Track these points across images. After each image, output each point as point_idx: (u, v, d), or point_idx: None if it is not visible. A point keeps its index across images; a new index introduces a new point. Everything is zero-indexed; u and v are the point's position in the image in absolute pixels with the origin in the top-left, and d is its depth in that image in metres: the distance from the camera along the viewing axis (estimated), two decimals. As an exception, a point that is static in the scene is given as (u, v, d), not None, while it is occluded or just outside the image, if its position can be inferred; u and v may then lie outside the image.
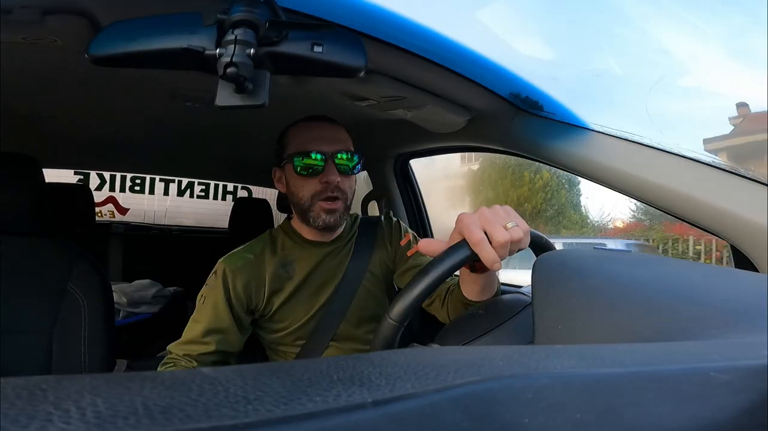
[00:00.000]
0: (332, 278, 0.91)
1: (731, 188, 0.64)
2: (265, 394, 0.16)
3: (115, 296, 1.48)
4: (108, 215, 3.34)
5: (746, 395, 0.20)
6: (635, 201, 0.80)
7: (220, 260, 0.90)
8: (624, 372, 0.20)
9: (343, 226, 0.94)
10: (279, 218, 2.21)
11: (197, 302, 0.88)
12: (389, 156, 1.43)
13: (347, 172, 0.85)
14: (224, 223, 2.23)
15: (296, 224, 0.93)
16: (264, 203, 2.13)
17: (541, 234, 0.73)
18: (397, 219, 1.03)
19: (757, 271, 0.60)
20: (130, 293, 1.93)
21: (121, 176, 3.36)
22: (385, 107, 0.91)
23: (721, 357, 0.23)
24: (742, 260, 0.63)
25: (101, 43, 0.45)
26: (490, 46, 0.75)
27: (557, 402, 0.18)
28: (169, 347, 0.88)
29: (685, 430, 0.19)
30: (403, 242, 0.97)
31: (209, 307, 0.85)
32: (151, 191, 3.47)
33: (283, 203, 1.19)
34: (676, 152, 0.70)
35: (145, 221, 2.99)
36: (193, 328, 0.86)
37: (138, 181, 3.43)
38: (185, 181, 3.39)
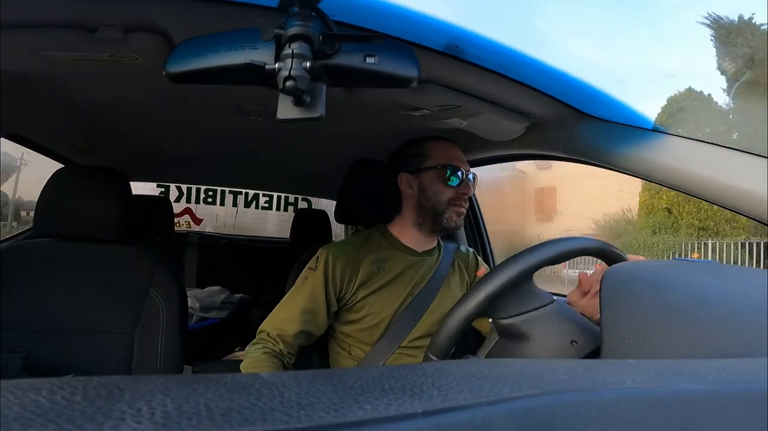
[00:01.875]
0: (415, 285, 0.99)
1: None
2: (318, 400, 0.17)
3: (189, 302, 1.57)
4: (185, 225, 3.59)
5: None
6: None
7: (323, 248, 1.01)
8: (707, 388, 0.19)
9: (436, 242, 1.06)
10: (337, 228, 2.26)
11: (297, 282, 0.98)
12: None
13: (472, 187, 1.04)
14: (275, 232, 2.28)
15: (395, 229, 1.04)
16: (323, 213, 2.19)
17: (612, 245, 0.69)
18: (474, 251, 1.15)
19: None
20: (203, 299, 2.03)
21: (196, 188, 3.62)
22: (439, 117, 0.91)
23: None
24: None
25: (175, 60, 0.48)
26: (547, 50, 0.73)
27: (625, 419, 0.17)
28: (262, 326, 0.97)
29: None
30: (479, 274, 1.06)
31: (308, 288, 0.95)
32: (222, 203, 3.71)
33: (342, 213, 1.21)
34: (754, 152, 0.63)
35: (217, 231, 3.19)
36: (289, 306, 0.95)
37: (210, 193, 3.68)
38: (251, 193, 3.58)
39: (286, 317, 0.94)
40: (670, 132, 0.73)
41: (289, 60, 0.42)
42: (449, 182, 0.98)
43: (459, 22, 0.64)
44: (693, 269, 0.43)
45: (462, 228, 1.49)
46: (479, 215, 1.57)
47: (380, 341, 0.96)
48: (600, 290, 0.43)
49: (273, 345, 0.92)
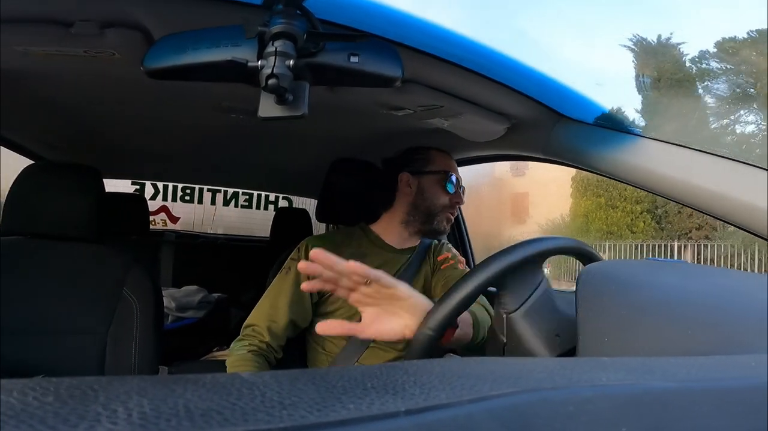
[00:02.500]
0: None
1: None
2: (300, 400, 0.16)
3: (165, 301, 1.54)
4: (161, 223, 3.52)
5: None
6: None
7: (304, 240, 1.04)
8: (677, 386, 0.20)
9: (417, 241, 1.08)
10: (318, 227, 2.25)
11: (280, 274, 0.99)
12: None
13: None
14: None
15: (379, 226, 1.06)
16: (304, 212, 2.17)
17: (588, 245, 0.70)
18: (447, 242, 1.17)
19: None
20: (179, 299, 1.99)
21: (173, 186, 3.54)
22: (421, 116, 0.91)
23: None
24: None
25: (154, 56, 0.47)
26: (529, 52, 0.74)
27: (601, 416, 0.17)
28: (249, 320, 0.96)
29: None
30: (440, 258, 1.10)
31: (292, 278, 0.96)
32: (200, 201, 3.64)
33: (324, 212, 1.20)
34: (730, 156, 0.65)
35: (194, 230, 3.13)
36: (276, 297, 0.96)
37: (188, 191, 3.61)
38: (230, 191, 3.53)
39: (273, 309, 0.95)
40: (645, 135, 0.75)
41: (272, 58, 0.42)
42: (447, 189, 1.03)
43: (442, 22, 0.64)
44: (663, 268, 0.44)
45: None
46: (461, 219, 1.59)
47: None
48: (576, 289, 0.44)
49: (260, 340, 0.92)
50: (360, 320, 0.94)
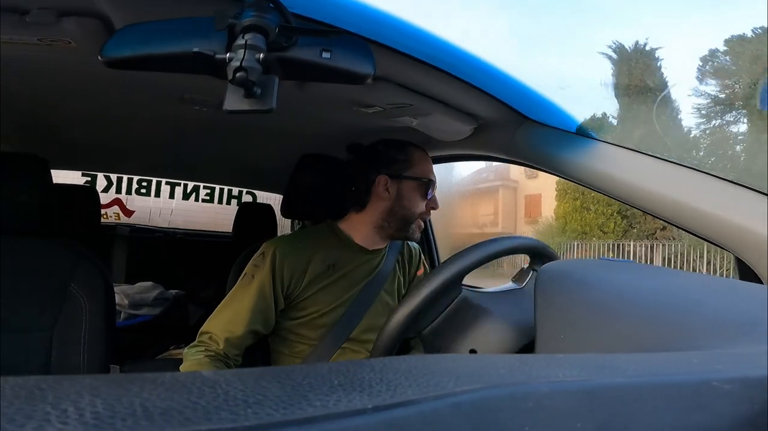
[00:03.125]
0: (361, 283, 0.99)
1: (735, 200, 0.63)
2: (265, 398, 0.16)
3: (117, 298, 1.48)
4: (114, 217, 3.36)
5: (748, 405, 0.20)
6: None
7: (267, 243, 0.97)
8: (626, 382, 0.20)
9: (387, 241, 1.05)
10: (283, 223, 2.22)
11: (243, 280, 0.94)
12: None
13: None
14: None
15: (348, 226, 1.02)
16: (268, 208, 2.14)
17: (545, 244, 0.73)
18: (419, 249, 1.15)
19: (762, 283, 0.60)
20: (132, 295, 1.93)
21: (128, 178, 3.38)
22: (391, 114, 0.92)
23: (724, 367, 0.23)
24: (746, 272, 0.62)
25: (115, 45, 0.46)
26: (498, 54, 0.76)
27: (558, 411, 0.18)
28: (205, 327, 0.92)
29: None
30: (419, 273, 1.09)
31: (256, 286, 0.91)
32: (157, 194, 3.50)
33: (289, 208, 1.18)
34: (680, 162, 0.69)
35: (150, 224, 3.00)
36: (236, 305, 0.91)
37: (144, 184, 3.46)
38: (191, 184, 3.41)
39: (233, 318, 0.90)
40: (603, 140, 0.79)
41: (242, 51, 0.41)
42: (426, 197, 0.99)
43: (415, 21, 0.65)
44: (615, 268, 0.46)
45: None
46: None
47: (325, 337, 0.95)
48: (534, 287, 0.46)
49: (216, 347, 0.88)
50: (333, 322, 0.94)
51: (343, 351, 0.96)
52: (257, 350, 1.01)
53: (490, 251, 0.67)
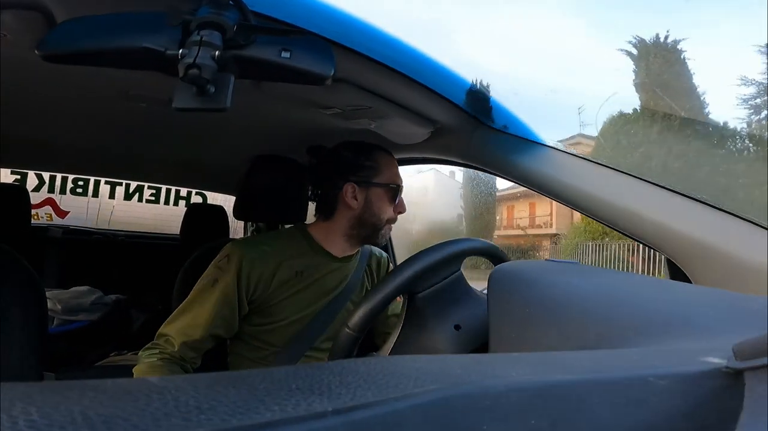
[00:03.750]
0: (330, 291, 0.97)
1: (669, 205, 0.69)
2: (219, 404, 0.16)
3: (49, 303, 1.38)
4: (45, 217, 3.11)
5: (681, 400, 0.21)
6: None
7: (232, 245, 0.93)
8: (572, 379, 0.21)
9: (358, 248, 1.04)
10: (236, 225, 2.15)
11: (202, 282, 0.90)
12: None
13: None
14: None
15: (319, 233, 0.98)
16: (220, 209, 2.06)
17: (496, 246, 0.76)
18: (386, 256, 1.14)
19: (690, 282, 0.65)
20: (66, 300, 1.81)
21: (62, 177, 3.14)
22: (349, 116, 0.92)
23: (660, 363, 0.24)
24: (676, 272, 0.68)
25: (55, 39, 0.43)
26: (456, 59, 0.77)
27: (513, 409, 0.18)
28: (163, 329, 0.87)
29: None
30: None
31: (219, 290, 0.88)
32: (95, 194, 3.27)
33: (243, 210, 1.15)
34: (620, 169, 0.74)
35: (87, 226, 2.81)
36: (197, 309, 0.88)
37: (81, 183, 3.22)
38: (133, 184, 3.22)
39: (192, 322, 0.87)
40: (554, 147, 0.83)
41: (196, 47, 0.39)
42: (394, 202, 0.97)
43: (376, 23, 0.65)
44: (559, 269, 0.48)
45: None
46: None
47: (290, 344, 0.93)
48: (487, 288, 0.47)
49: (172, 350, 0.84)
50: (299, 330, 0.92)
51: (308, 360, 0.94)
52: (212, 351, 0.97)
53: (444, 255, 0.69)
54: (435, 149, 1.06)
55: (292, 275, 0.93)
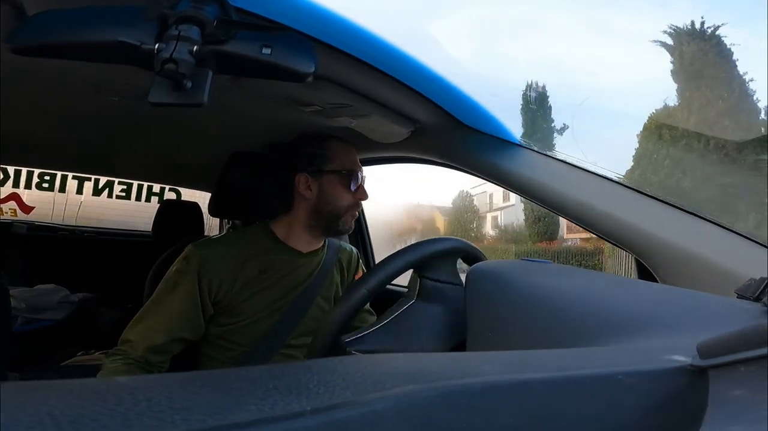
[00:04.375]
0: (297, 287, 0.96)
1: (639, 206, 0.71)
2: (194, 404, 0.15)
3: (13, 302, 1.33)
4: (9, 213, 2.99)
5: (649, 397, 0.22)
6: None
7: (194, 246, 0.92)
8: (545, 377, 0.21)
9: (323, 242, 1.03)
10: (211, 222, 2.11)
11: (162, 286, 0.89)
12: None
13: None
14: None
15: (281, 228, 0.98)
16: (194, 206, 2.02)
17: (474, 245, 0.77)
18: (357, 252, 1.13)
19: (657, 281, 0.68)
20: (30, 299, 1.76)
21: (28, 171, 3.01)
22: (329, 114, 0.91)
23: (628, 361, 0.24)
24: (644, 272, 0.70)
25: (25, 32, 0.42)
26: (437, 58, 0.78)
27: (491, 407, 0.19)
28: (125, 335, 0.85)
29: None
30: (357, 277, 1.08)
31: (180, 293, 0.87)
32: (62, 190, 3.15)
33: (218, 207, 1.13)
34: (593, 170, 0.77)
35: (53, 222, 2.71)
36: (159, 312, 0.87)
37: (47, 177, 3.10)
38: (103, 179, 3.11)
39: (154, 325, 0.85)
40: (532, 148, 0.85)
41: (173, 42, 0.39)
42: (351, 188, 0.96)
43: (358, 21, 0.65)
44: (532, 269, 0.49)
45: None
46: (362, 216, 1.58)
47: (259, 343, 0.91)
48: (465, 287, 0.48)
49: (136, 355, 0.83)
50: (267, 329, 0.90)
51: (280, 357, 0.93)
52: (181, 354, 0.95)
53: (421, 254, 0.69)
54: (415, 148, 1.06)
55: (255, 273, 0.92)
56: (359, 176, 0.98)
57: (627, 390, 0.22)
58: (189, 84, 0.41)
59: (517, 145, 0.86)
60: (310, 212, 0.96)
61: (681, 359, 0.23)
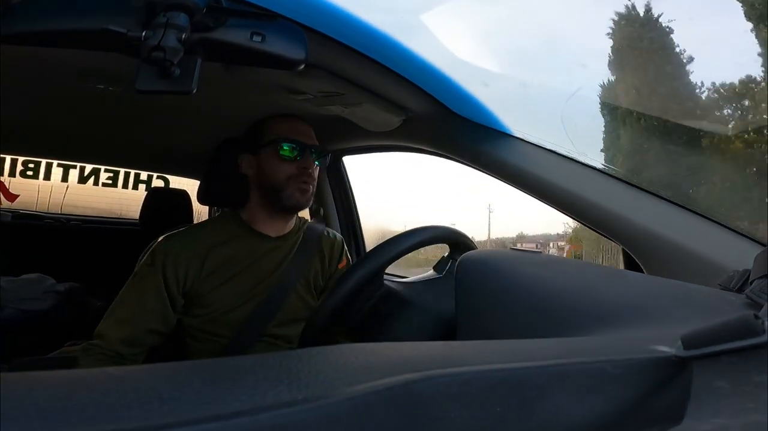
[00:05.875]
0: (270, 274, 0.94)
1: (626, 197, 0.72)
2: (183, 394, 0.15)
3: (-3, 292, 1.31)
4: (-7, 201, 2.92)
5: (633, 387, 0.22)
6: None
7: (161, 239, 0.92)
8: (533, 366, 0.22)
9: (292, 224, 0.99)
10: (200, 210, 2.09)
11: (132, 280, 0.89)
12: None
13: (319, 163, 0.96)
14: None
15: (247, 214, 0.96)
16: (183, 193, 1.99)
17: (465, 234, 0.77)
18: (342, 239, 1.09)
19: (643, 272, 0.69)
20: (14, 289, 1.72)
21: (12, 158, 2.94)
22: (321, 103, 0.90)
23: (614, 352, 0.25)
24: (630, 263, 0.71)
25: (10, 19, 0.41)
26: (429, 48, 0.77)
27: (479, 396, 0.19)
28: (99, 329, 0.85)
29: (584, 421, 0.21)
30: (341, 266, 1.04)
31: (146, 287, 0.87)
32: (47, 177, 3.09)
33: (207, 195, 1.11)
34: (583, 161, 0.77)
35: (38, 210, 2.66)
36: (129, 306, 0.87)
37: (31, 165, 3.03)
38: (89, 167, 3.06)
39: (125, 318, 0.85)
40: (521, 138, 0.85)
41: (161, 29, 0.38)
42: (286, 157, 0.91)
43: (351, 9, 0.64)
44: (522, 258, 0.50)
45: (336, 215, 1.51)
46: (352, 202, 1.56)
47: (239, 332, 0.90)
48: (455, 275, 0.48)
49: (110, 348, 0.83)
50: (244, 317, 0.89)
51: (261, 346, 0.92)
52: (167, 346, 0.95)
53: (412, 242, 0.69)
54: (406, 136, 1.06)
55: (222, 260, 0.90)
56: (296, 143, 0.91)
57: (612, 379, 0.22)
58: (177, 71, 0.41)
59: (508, 135, 0.86)
60: (258, 190, 0.94)
61: (665, 349, 0.23)
